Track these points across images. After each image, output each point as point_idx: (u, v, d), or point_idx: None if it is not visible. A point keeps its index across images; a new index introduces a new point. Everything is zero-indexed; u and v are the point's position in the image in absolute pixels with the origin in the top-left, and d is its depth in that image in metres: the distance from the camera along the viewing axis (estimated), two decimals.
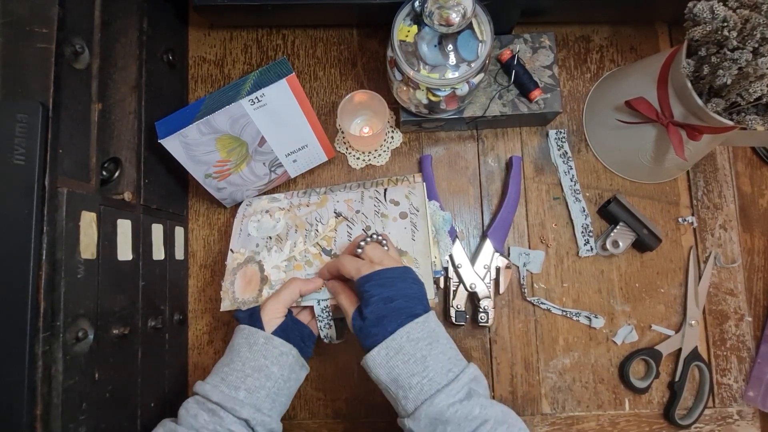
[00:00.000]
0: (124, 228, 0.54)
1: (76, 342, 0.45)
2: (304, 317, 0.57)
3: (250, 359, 0.49)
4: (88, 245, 0.48)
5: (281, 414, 0.51)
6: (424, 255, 0.57)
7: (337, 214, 0.61)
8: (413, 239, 0.58)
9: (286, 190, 0.69)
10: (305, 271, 0.58)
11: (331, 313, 0.56)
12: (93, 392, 0.47)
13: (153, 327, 0.58)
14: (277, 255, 0.60)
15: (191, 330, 0.69)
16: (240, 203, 0.67)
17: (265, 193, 0.68)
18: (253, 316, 0.52)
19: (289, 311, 0.54)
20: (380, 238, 0.53)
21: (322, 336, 0.56)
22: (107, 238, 0.51)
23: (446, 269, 0.66)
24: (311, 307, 0.56)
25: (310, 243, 0.60)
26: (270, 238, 0.61)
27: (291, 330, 0.52)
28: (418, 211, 0.60)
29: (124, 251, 0.54)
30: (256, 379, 0.48)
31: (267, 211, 0.63)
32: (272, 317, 0.52)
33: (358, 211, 0.61)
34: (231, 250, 0.62)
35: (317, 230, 0.60)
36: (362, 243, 0.52)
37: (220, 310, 0.58)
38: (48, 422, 0.42)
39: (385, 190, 0.63)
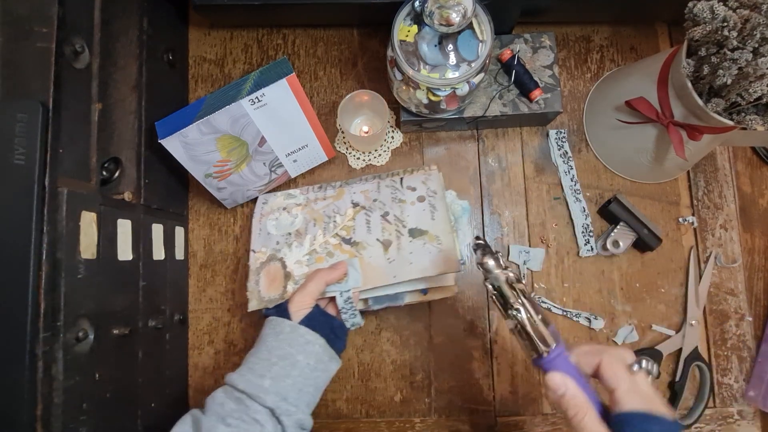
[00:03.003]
0: (125, 228, 0.54)
1: (77, 342, 0.45)
2: (331, 310, 0.57)
3: (276, 348, 0.50)
4: (88, 245, 0.48)
5: (310, 407, 0.51)
6: (445, 232, 0.57)
7: (354, 204, 0.61)
8: (433, 219, 0.59)
9: (301, 186, 0.69)
10: (327, 262, 0.58)
11: (354, 304, 0.55)
12: (93, 392, 0.47)
13: (153, 327, 0.58)
14: (297, 250, 0.60)
15: (191, 330, 0.68)
16: (242, 203, 0.67)
17: (279, 189, 0.68)
18: (280, 310, 0.53)
19: (317, 305, 0.54)
20: (653, 369, 0.41)
21: (348, 326, 0.56)
22: (107, 238, 0.51)
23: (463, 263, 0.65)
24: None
25: (329, 234, 0.60)
26: (289, 234, 0.61)
27: (318, 321, 0.52)
28: (435, 193, 0.60)
29: (125, 251, 0.54)
30: (281, 368, 0.48)
31: (284, 209, 0.63)
32: (299, 308, 0.52)
33: (375, 200, 0.61)
34: (252, 250, 0.62)
35: (335, 221, 0.61)
36: (640, 366, 0.40)
37: (248, 310, 0.58)
38: (48, 422, 0.42)
39: (401, 178, 0.63)
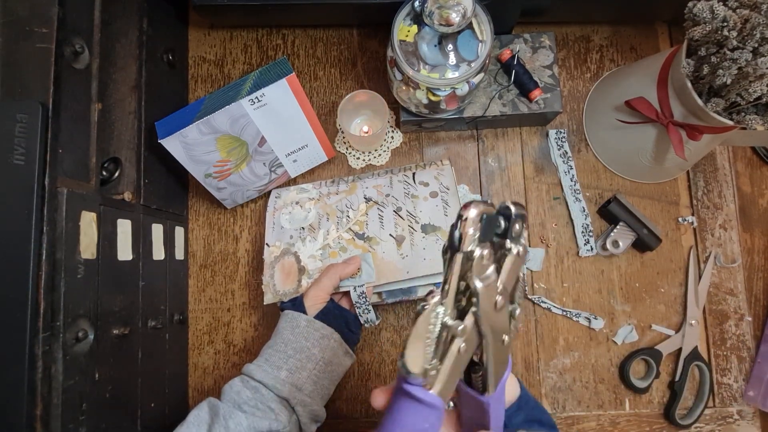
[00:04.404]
0: (124, 228, 0.54)
1: (76, 342, 0.45)
2: (345, 304, 0.57)
3: (293, 341, 0.51)
4: (88, 245, 0.48)
5: (324, 399, 0.52)
6: None
7: (367, 200, 0.62)
8: (446, 215, 0.59)
9: (312, 181, 0.70)
10: (341, 257, 0.59)
11: (368, 299, 0.56)
12: (93, 392, 0.47)
13: (153, 327, 0.58)
14: (311, 244, 0.60)
15: (191, 330, 0.68)
16: (242, 203, 0.67)
17: (292, 184, 0.68)
18: (296, 304, 0.54)
19: (332, 299, 0.55)
20: None
21: (362, 321, 0.57)
22: (107, 238, 0.51)
23: None
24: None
25: (342, 229, 0.60)
26: (303, 228, 0.62)
27: (334, 315, 0.54)
28: (448, 189, 0.61)
29: (124, 251, 0.54)
30: (297, 360, 0.50)
31: (297, 203, 0.64)
32: (314, 303, 0.53)
33: (387, 195, 0.62)
34: (267, 244, 0.62)
35: (348, 216, 0.61)
36: None
37: (264, 303, 0.59)
38: (48, 422, 0.42)
39: (414, 174, 0.63)
